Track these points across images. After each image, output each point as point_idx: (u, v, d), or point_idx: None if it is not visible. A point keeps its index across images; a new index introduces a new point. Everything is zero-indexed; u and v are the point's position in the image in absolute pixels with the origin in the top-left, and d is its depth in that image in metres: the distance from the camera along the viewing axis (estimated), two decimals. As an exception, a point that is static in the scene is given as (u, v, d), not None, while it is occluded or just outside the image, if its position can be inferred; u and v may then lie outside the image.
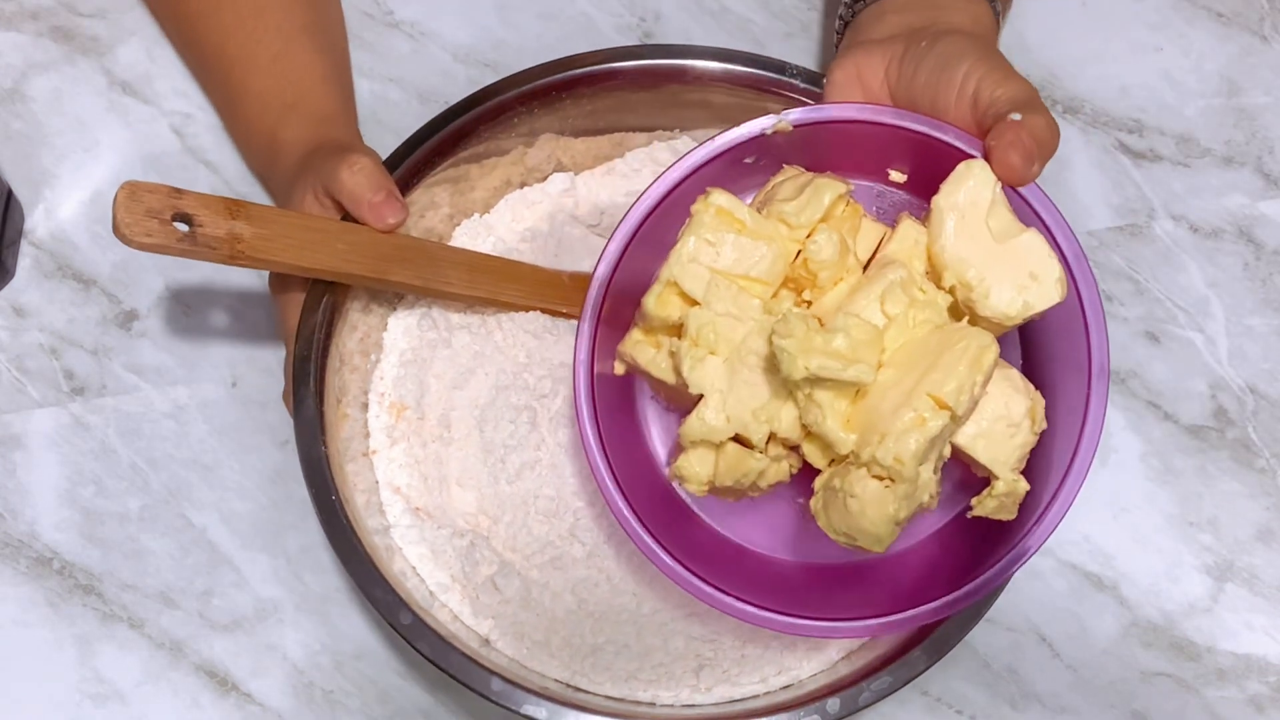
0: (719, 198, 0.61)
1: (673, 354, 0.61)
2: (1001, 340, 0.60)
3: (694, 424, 0.60)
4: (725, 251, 0.61)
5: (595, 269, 0.65)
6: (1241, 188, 0.85)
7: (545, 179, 0.80)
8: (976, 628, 0.65)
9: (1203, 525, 0.79)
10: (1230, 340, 0.82)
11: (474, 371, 0.74)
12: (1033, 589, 0.77)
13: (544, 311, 0.75)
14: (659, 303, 0.62)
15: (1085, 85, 0.87)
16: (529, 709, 0.63)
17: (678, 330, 0.61)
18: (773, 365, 0.58)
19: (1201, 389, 0.81)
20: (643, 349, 0.63)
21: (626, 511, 0.63)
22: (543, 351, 0.74)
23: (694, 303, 0.61)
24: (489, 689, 0.64)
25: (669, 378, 0.62)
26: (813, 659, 0.70)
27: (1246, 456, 0.80)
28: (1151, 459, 0.80)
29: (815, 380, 0.57)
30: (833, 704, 0.64)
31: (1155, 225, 0.84)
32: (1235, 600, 0.77)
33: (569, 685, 0.69)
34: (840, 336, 0.56)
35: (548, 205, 0.79)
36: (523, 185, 0.80)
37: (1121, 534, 0.78)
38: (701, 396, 0.60)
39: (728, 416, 0.60)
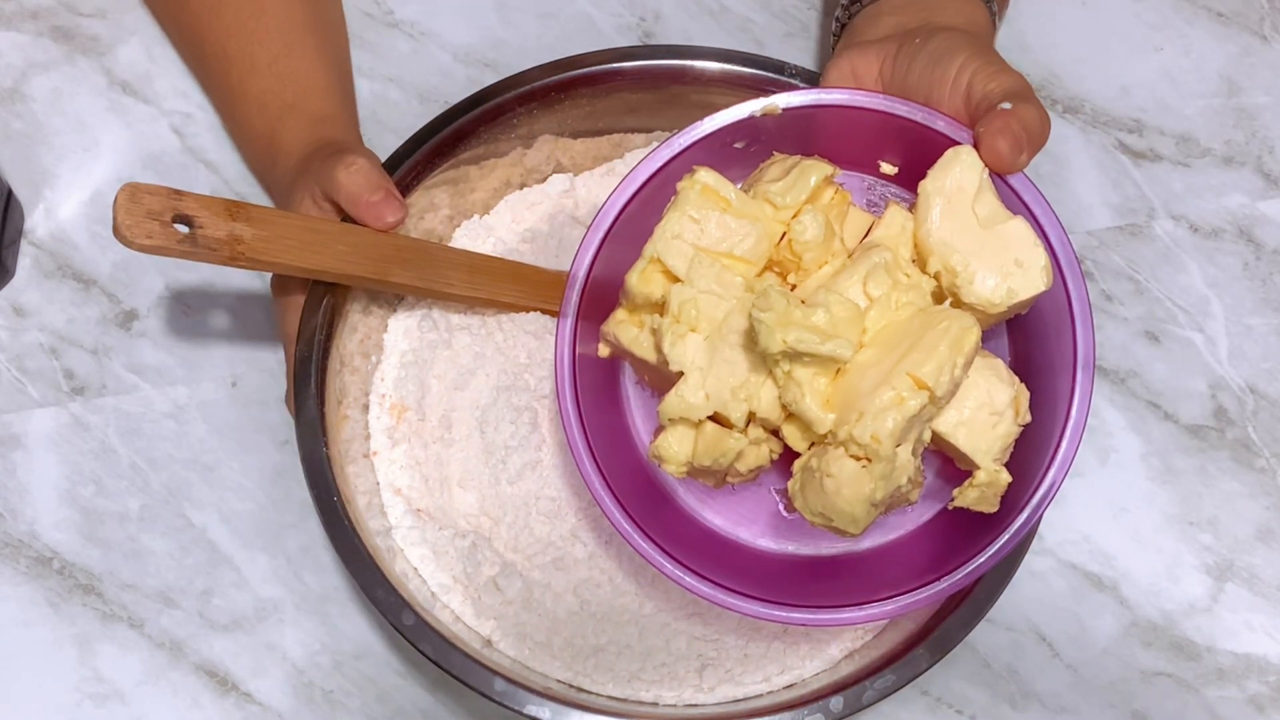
0: (705, 175, 0.61)
1: (654, 331, 0.61)
2: (991, 338, 0.60)
3: (673, 401, 0.60)
4: (710, 229, 0.61)
5: (585, 236, 0.65)
6: (1241, 188, 0.85)
7: (545, 180, 0.80)
8: (977, 628, 0.65)
9: (1203, 525, 0.79)
10: (1230, 340, 0.82)
11: (475, 372, 0.74)
12: (1033, 589, 0.77)
13: (544, 312, 0.75)
14: (642, 279, 0.61)
15: (1085, 85, 0.87)
16: (532, 709, 0.63)
17: (660, 308, 0.61)
18: (753, 343, 0.57)
19: (1201, 389, 0.81)
20: (626, 329, 0.63)
21: (604, 495, 0.63)
22: (543, 352, 0.74)
23: (677, 279, 0.61)
24: (492, 689, 0.63)
25: (651, 356, 0.62)
26: (815, 658, 0.70)
27: (1246, 456, 0.80)
28: (1151, 459, 0.80)
29: (794, 356, 0.56)
30: (836, 702, 0.63)
31: (1155, 225, 0.84)
32: (1235, 600, 0.77)
33: (572, 686, 0.69)
34: (820, 312, 0.56)
35: (547, 206, 0.79)
36: (522, 186, 0.80)
37: (1121, 534, 0.78)
38: (682, 374, 0.60)
39: (707, 394, 0.59)
